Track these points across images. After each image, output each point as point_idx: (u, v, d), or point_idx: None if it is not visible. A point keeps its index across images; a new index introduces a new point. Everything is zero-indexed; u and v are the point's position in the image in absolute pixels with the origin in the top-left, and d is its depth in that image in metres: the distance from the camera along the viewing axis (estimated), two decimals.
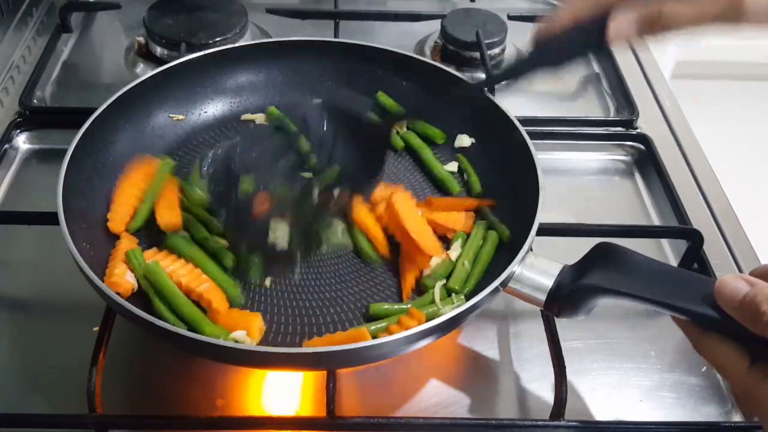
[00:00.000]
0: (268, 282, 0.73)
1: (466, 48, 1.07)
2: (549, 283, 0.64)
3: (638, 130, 0.98)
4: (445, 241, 0.77)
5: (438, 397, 0.70)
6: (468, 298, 0.69)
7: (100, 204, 0.76)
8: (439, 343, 0.69)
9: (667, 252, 0.85)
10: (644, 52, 1.15)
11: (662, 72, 1.12)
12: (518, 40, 1.13)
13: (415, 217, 0.75)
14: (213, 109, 0.90)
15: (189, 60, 0.87)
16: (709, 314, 0.57)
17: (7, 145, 0.91)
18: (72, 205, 0.70)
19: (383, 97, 0.91)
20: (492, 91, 0.86)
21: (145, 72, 0.94)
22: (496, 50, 1.08)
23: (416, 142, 0.87)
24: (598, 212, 0.89)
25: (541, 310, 0.67)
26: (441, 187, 0.84)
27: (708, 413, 0.69)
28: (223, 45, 0.92)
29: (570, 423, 0.65)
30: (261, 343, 0.67)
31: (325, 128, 0.71)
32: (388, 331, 0.67)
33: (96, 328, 0.68)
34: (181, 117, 0.88)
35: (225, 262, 0.72)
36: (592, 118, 1.00)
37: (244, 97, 0.92)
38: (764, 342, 0.53)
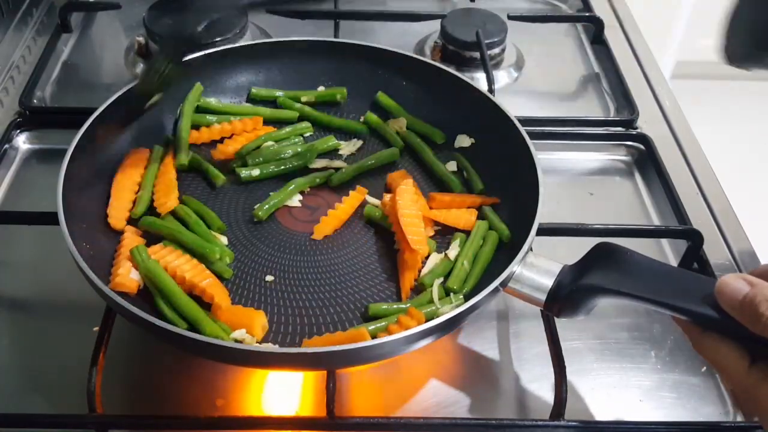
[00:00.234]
0: (269, 278, 0.73)
1: (466, 48, 1.07)
2: (549, 283, 0.64)
3: (638, 130, 0.97)
4: (446, 241, 0.77)
5: (438, 397, 0.70)
6: (467, 298, 0.69)
7: (100, 204, 0.76)
8: (439, 343, 0.69)
9: (667, 252, 0.85)
10: (644, 52, 1.15)
11: (662, 72, 1.12)
12: (518, 40, 1.14)
13: (409, 209, 0.75)
14: None
15: (189, 60, 0.87)
16: (709, 314, 0.57)
17: (7, 145, 0.91)
18: (72, 205, 0.70)
19: (383, 97, 0.91)
20: (491, 89, 0.86)
21: None
22: (496, 50, 1.08)
23: (416, 141, 0.87)
24: (598, 212, 0.89)
25: (541, 310, 0.67)
26: (442, 186, 0.84)
27: (708, 413, 0.69)
28: (224, 45, 0.92)
29: (570, 423, 0.65)
30: (261, 342, 0.67)
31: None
32: (387, 330, 0.67)
33: (96, 328, 0.68)
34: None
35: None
36: (592, 118, 1.00)
37: (244, 97, 0.92)
38: (764, 342, 0.54)
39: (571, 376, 0.67)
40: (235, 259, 0.75)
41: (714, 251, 0.83)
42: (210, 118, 0.88)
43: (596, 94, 1.08)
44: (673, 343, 0.75)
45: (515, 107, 0.83)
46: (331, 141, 0.87)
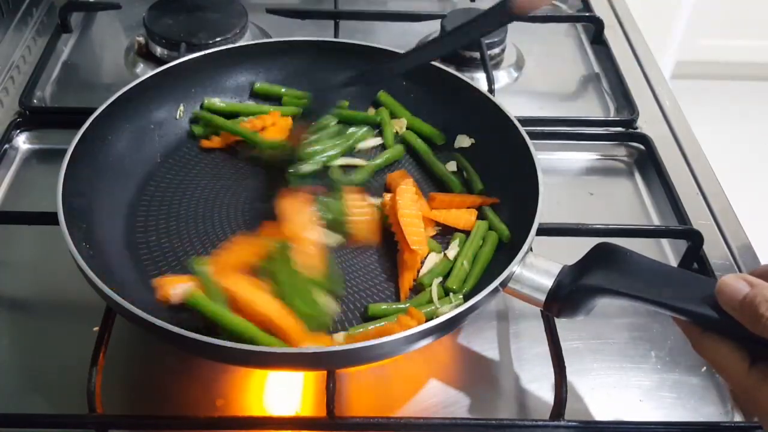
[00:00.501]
0: None
1: (466, 48, 1.07)
2: (549, 283, 0.64)
3: (638, 130, 0.97)
4: (446, 241, 0.77)
5: (438, 397, 0.70)
6: (467, 298, 0.69)
7: (100, 204, 0.76)
8: (439, 343, 0.69)
9: (667, 252, 0.85)
10: (644, 52, 1.15)
11: (662, 72, 1.12)
12: (518, 40, 1.14)
13: (409, 209, 0.75)
14: None
15: (189, 60, 0.87)
16: (710, 315, 0.57)
17: (7, 145, 0.91)
18: (72, 205, 0.70)
19: (384, 96, 0.91)
20: (491, 89, 0.86)
21: (145, 72, 0.94)
22: (496, 50, 1.08)
23: (416, 141, 0.87)
24: (598, 212, 0.89)
25: (541, 310, 0.67)
26: (442, 186, 0.84)
27: (708, 413, 0.69)
28: (223, 45, 0.92)
29: (570, 423, 0.65)
30: None
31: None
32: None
33: (96, 328, 0.68)
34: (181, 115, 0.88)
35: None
36: (592, 118, 1.00)
37: (244, 97, 0.92)
38: (764, 343, 0.53)
39: (571, 376, 0.67)
40: None
41: (714, 251, 0.83)
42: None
43: (596, 94, 1.08)
44: (673, 343, 0.75)
45: (515, 107, 0.83)
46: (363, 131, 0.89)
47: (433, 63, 0.90)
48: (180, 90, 0.88)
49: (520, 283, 0.65)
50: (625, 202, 0.92)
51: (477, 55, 1.06)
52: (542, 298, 0.65)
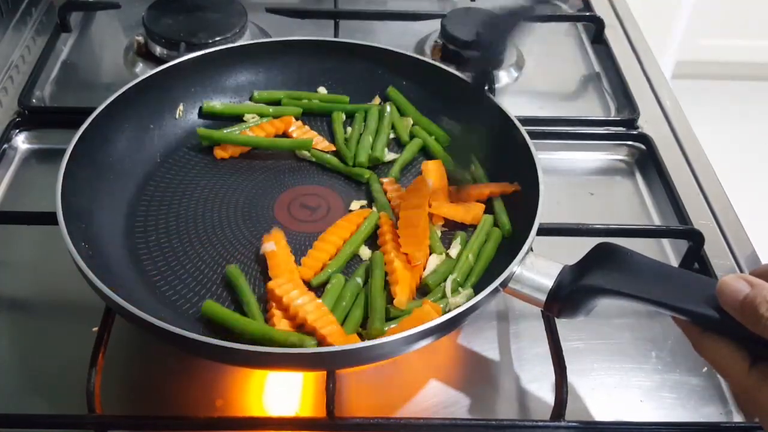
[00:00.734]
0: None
1: (466, 47, 1.06)
2: (549, 283, 0.64)
3: (639, 130, 0.97)
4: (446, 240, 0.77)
5: (438, 397, 0.70)
6: (468, 297, 0.69)
7: (99, 204, 0.76)
8: (439, 343, 0.69)
9: (668, 252, 0.85)
10: (645, 51, 1.15)
11: (663, 72, 1.12)
12: (518, 39, 1.13)
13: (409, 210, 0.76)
14: None
15: (188, 59, 0.87)
16: (710, 315, 0.57)
17: (6, 145, 0.91)
18: (71, 205, 0.70)
19: (393, 93, 0.91)
20: (492, 89, 0.86)
21: (144, 72, 0.94)
22: None
23: (424, 136, 0.88)
24: (598, 212, 0.89)
25: (541, 310, 0.67)
26: (453, 181, 0.83)
27: (708, 414, 0.69)
28: (223, 44, 0.92)
29: (570, 423, 0.65)
30: None
31: None
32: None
33: (95, 329, 0.68)
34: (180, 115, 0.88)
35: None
36: (593, 118, 0.99)
37: (244, 96, 0.92)
38: (765, 343, 0.53)
39: (571, 376, 0.67)
40: (234, 258, 0.75)
41: (715, 251, 0.83)
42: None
43: (597, 94, 1.08)
44: (673, 343, 0.75)
45: (515, 107, 0.83)
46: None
47: (433, 62, 0.90)
48: (180, 90, 0.88)
49: (521, 284, 0.65)
50: (626, 202, 0.92)
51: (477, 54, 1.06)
52: (543, 298, 0.64)
